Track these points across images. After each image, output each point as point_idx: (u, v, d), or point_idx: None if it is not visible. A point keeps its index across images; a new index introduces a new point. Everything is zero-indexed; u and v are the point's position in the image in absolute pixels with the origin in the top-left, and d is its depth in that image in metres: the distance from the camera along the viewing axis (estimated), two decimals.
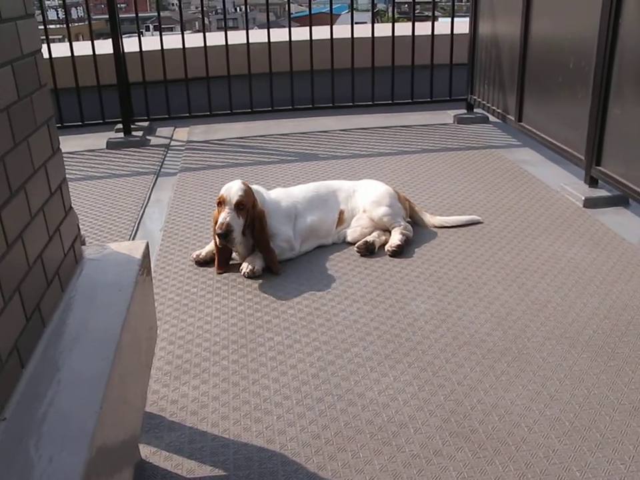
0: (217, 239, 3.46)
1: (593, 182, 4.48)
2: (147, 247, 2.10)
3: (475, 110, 6.74)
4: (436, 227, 4.10)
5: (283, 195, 3.89)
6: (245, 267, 3.54)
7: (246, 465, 2.23)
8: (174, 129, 6.71)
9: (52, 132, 1.83)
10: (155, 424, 2.44)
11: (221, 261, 3.61)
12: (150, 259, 2.17)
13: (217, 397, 2.58)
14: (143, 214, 4.54)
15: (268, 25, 6.50)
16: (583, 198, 4.36)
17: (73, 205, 2.00)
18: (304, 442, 2.33)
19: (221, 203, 3.48)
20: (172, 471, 2.22)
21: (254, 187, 3.73)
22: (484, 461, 2.23)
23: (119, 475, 1.56)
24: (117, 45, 6.11)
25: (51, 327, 1.63)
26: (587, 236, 3.90)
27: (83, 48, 6.61)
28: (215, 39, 6.78)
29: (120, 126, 6.38)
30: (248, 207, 3.51)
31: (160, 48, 6.31)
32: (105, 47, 6.42)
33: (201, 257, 3.70)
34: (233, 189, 3.50)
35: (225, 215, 3.44)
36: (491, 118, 6.48)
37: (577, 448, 2.27)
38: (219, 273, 3.59)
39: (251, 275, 3.51)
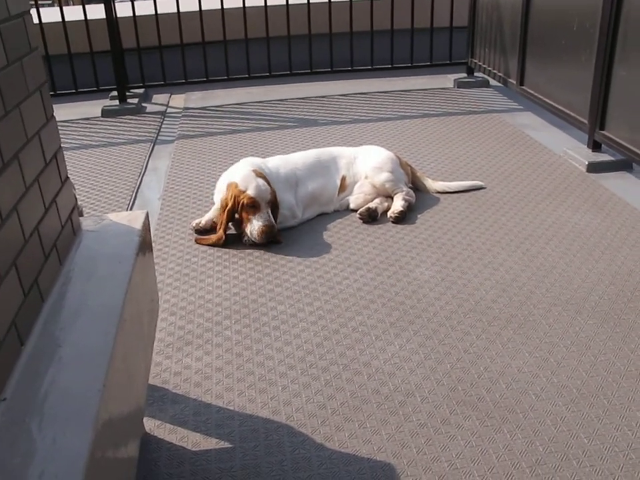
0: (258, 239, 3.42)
1: (596, 146, 4.42)
2: (147, 216, 2.04)
3: (475, 74, 6.64)
4: (438, 192, 4.05)
5: (280, 162, 3.83)
6: (249, 233, 3.46)
7: (252, 437, 2.21)
8: (170, 96, 6.62)
9: (45, 99, 1.77)
10: (159, 396, 2.41)
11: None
12: (150, 229, 2.12)
13: (221, 368, 2.55)
14: (140, 183, 4.48)
15: None
16: (587, 162, 4.30)
17: (68, 175, 1.94)
18: (310, 413, 2.31)
19: (254, 205, 3.40)
20: (177, 443, 2.19)
21: (250, 160, 3.69)
22: (492, 429, 2.21)
23: (125, 449, 1.52)
24: (110, 10, 5.98)
25: (50, 301, 1.58)
26: (591, 201, 3.85)
27: (73, 13, 6.48)
28: (210, 2, 6.63)
29: (115, 93, 6.29)
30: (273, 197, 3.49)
31: (154, 12, 6.17)
32: (96, 11, 6.27)
33: (200, 225, 3.65)
34: (262, 189, 3.43)
35: (266, 217, 3.40)
36: (492, 82, 6.38)
37: (584, 415, 2.25)
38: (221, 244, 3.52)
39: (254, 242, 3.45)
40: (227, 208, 3.43)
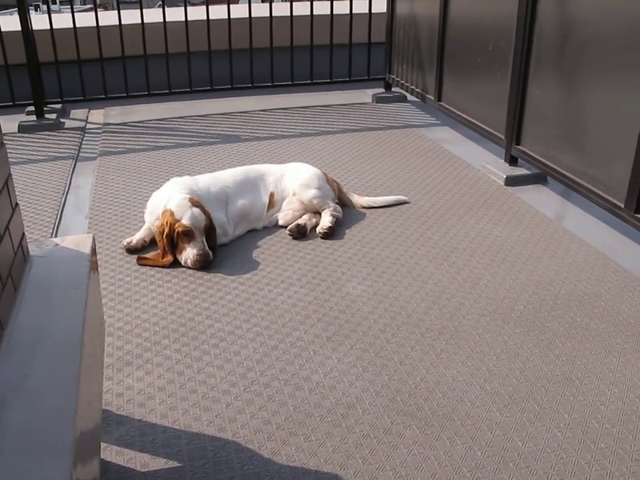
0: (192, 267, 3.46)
1: (513, 160, 4.62)
2: (94, 240, 2.05)
3: (392, 89, 6.81)
4: (364, 207, 4.16)
5: (211, 180, 3.87)
6: (184, 261, 3.48)
7: (200, 455, 2.23)
8: (88, 111, 6.51)
9: None
10: (103, 418, 2.39)
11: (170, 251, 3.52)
12: (97, 253, 2.12)
13: (163, 388, 2.56)
14: (64, 201, 4.41)
15: (185, 2, 6.35)
16: (504, 176, 4.50)
17: None
18: (255, 428, 2.35)
19: (188, 234, 3.43)
20: (125, 465, 2.20)
21: (181, 182, 3.71)
22: (432, 437, 2.30)
23: (91, 471, 1.53)
24: (25, 22, 5.83)
25: (8, 330, 1.58)
26: (511, 213, 4.04)
27: None
28: (130, 16, 6.57)
29: (31, 108, 6.14)
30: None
31: (72, 26, 6.07)
32: (11, 23, 6.13)
33: (132, 244, 3.63)
34: (197, 219, 3.45)
35: (200, 245, 3.44)
36: (409, 97, 6.57)
37: (517, 419, 2.38)
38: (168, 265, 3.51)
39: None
40: (165, 233, 3.45)
